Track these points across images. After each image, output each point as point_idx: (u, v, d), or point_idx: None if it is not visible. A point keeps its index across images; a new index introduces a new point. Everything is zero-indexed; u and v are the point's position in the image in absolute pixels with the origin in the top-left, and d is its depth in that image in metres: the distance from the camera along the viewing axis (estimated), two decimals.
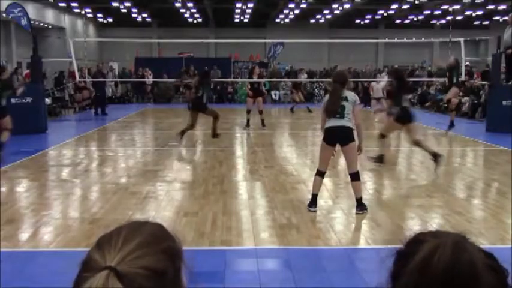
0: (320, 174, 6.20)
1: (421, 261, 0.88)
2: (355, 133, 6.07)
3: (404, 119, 8.51)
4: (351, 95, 6.10)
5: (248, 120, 14.68)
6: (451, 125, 13.19)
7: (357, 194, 6.11)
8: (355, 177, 6.09)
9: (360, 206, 6.09)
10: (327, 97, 6.30)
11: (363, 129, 6.52)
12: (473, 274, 0.86)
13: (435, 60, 15.16)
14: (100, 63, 22.34)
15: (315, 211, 6.14)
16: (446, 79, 14.30)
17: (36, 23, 25.10)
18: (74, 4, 27.70)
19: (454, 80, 13.21)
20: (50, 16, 28.49)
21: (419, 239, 0.94)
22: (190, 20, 34.30)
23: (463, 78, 17.56)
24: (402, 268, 0.91)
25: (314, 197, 6.21)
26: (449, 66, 13.43)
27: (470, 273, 0.86)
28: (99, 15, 33.45)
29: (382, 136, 9.16)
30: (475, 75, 20.65)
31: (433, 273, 0.86)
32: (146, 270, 0.84)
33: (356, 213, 6.07)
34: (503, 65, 14.38)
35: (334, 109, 5.97)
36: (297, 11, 30.91)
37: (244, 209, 6.32)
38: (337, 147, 6.22)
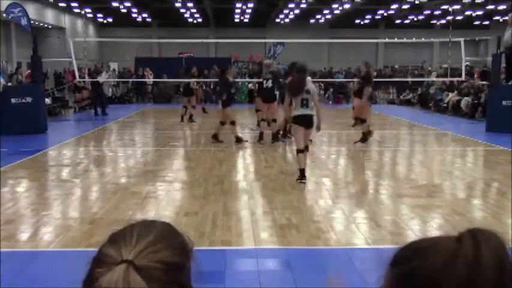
0: (301, 151, 7.57)
1: (467, 254, 0.81)
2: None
3: None
4: (312, 87, 7.72)
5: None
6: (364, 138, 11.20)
7: (302, 165, 7.56)
8: (307, 148, 7.92)
9: (304, 176, 7.50)
10: (288, 80, 8.28)
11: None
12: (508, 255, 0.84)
13: (362, 64, 11.93)
14: (98, 63, 22.32)
15: (305, 182, 7.30)
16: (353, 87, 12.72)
17: (36, 23, 25.13)
18: (74, 4, 27.73)
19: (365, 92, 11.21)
20: (50, 16, 28.52)
21: (421, 247, 0.86)
22: (190, 20, 34.34)
23: (463, 78, 17.58)
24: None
25: (302, 171, 7.47)
26: (364, 75, 11.42)
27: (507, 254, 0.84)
28: (99, 15, 33.50)
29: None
30: (475, 75, 20.65)
31: (486, 265, 0.80)
32: (163, 264, 0.86)
33: (299, 182, 7.41)
34: (503, 65, 14.37)
35: (299, 89, 7.48)
36: (297, 11, 30.93)
37: (244, 209, 6.31)
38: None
